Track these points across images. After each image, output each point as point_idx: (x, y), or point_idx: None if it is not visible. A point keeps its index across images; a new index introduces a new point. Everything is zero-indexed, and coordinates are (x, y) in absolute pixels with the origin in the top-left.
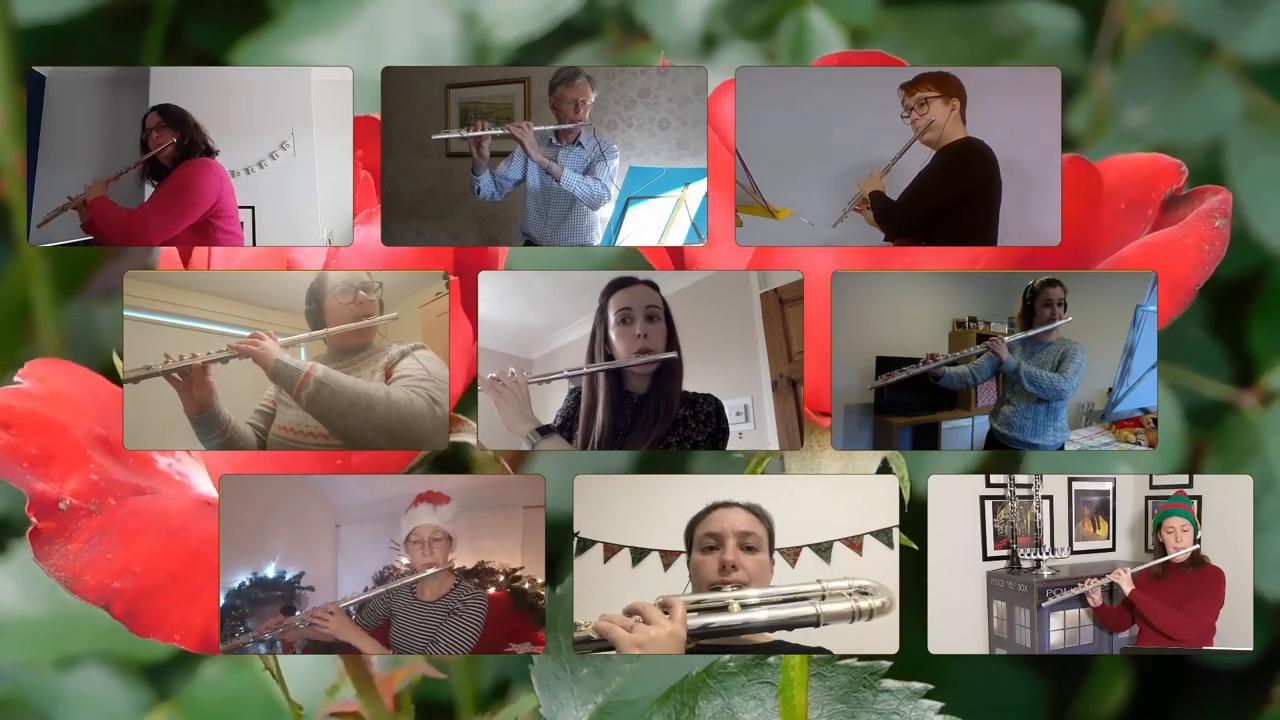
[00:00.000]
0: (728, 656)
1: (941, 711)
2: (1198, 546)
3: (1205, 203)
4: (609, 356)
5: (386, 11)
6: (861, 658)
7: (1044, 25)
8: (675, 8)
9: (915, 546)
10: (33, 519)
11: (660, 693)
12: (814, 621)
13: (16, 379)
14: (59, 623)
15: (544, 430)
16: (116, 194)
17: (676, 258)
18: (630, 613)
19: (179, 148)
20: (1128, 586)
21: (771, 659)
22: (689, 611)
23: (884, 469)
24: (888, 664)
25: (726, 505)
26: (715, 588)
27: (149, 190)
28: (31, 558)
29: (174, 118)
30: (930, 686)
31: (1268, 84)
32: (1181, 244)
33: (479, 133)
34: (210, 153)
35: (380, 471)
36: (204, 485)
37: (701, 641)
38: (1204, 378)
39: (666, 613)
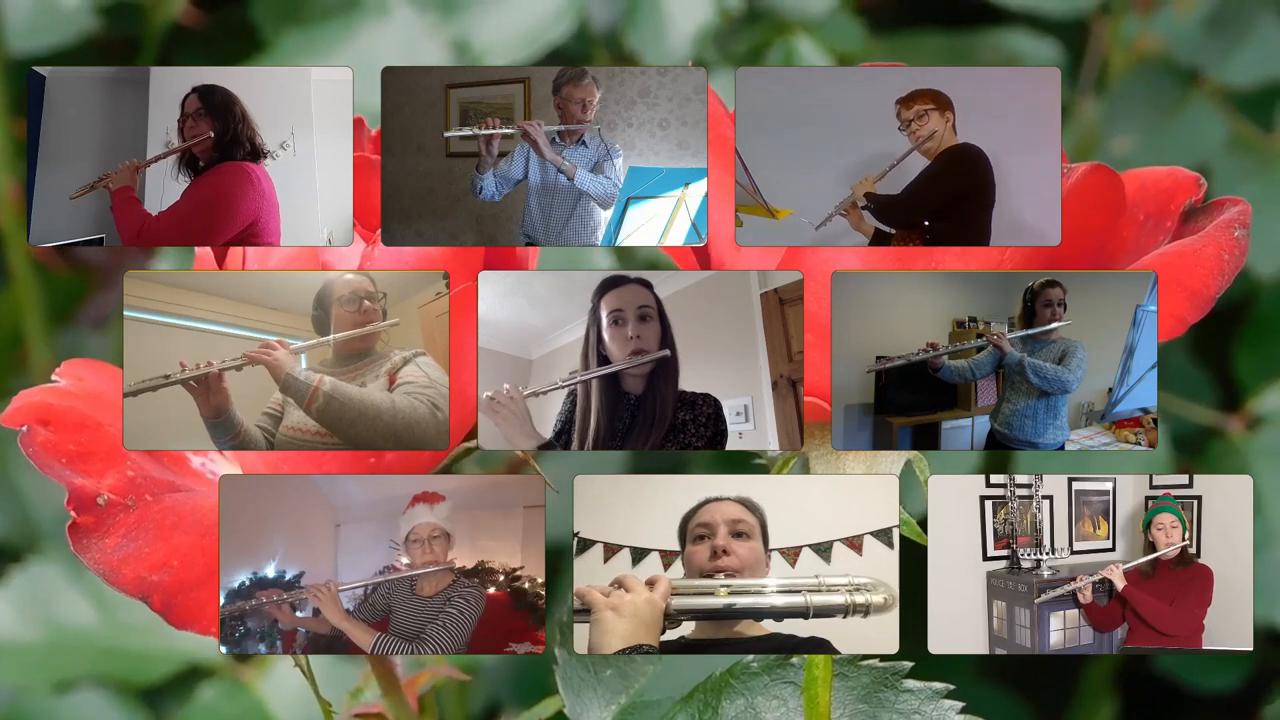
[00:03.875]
0: (751, 657)
1: (963, 712)
2: (1186, 543)
3: (1224, 214)
4: (602, 358)
5: (378, 39)
6: (863, 658)
7: (1028, 54)
8: (664, 35)
9: (925, 542)
10: (71, 513)
11: (683, 693)
12: (803, 613)
13: (54, 377)
14: (56, 646)
15: (544, 447)
16: (153, 180)
17: (702, 257)
18: (614, 583)
19: (218, 143)
20: (1120, 582)
21: (795, 659)
22: (675, 595)
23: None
24: (909, 664)
25: (718, 500)
26: (707, 576)
27: (180, 186)
28: (25, 585)
29: (216, 105)
30: (952, 686)
31: (1251, 112)
32: (1201, 254)
33: (490, 131)
34: (256, 154)
35: (413, 472)
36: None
37: (690, 630)
38: (1191, 403)
39: (651, 586)
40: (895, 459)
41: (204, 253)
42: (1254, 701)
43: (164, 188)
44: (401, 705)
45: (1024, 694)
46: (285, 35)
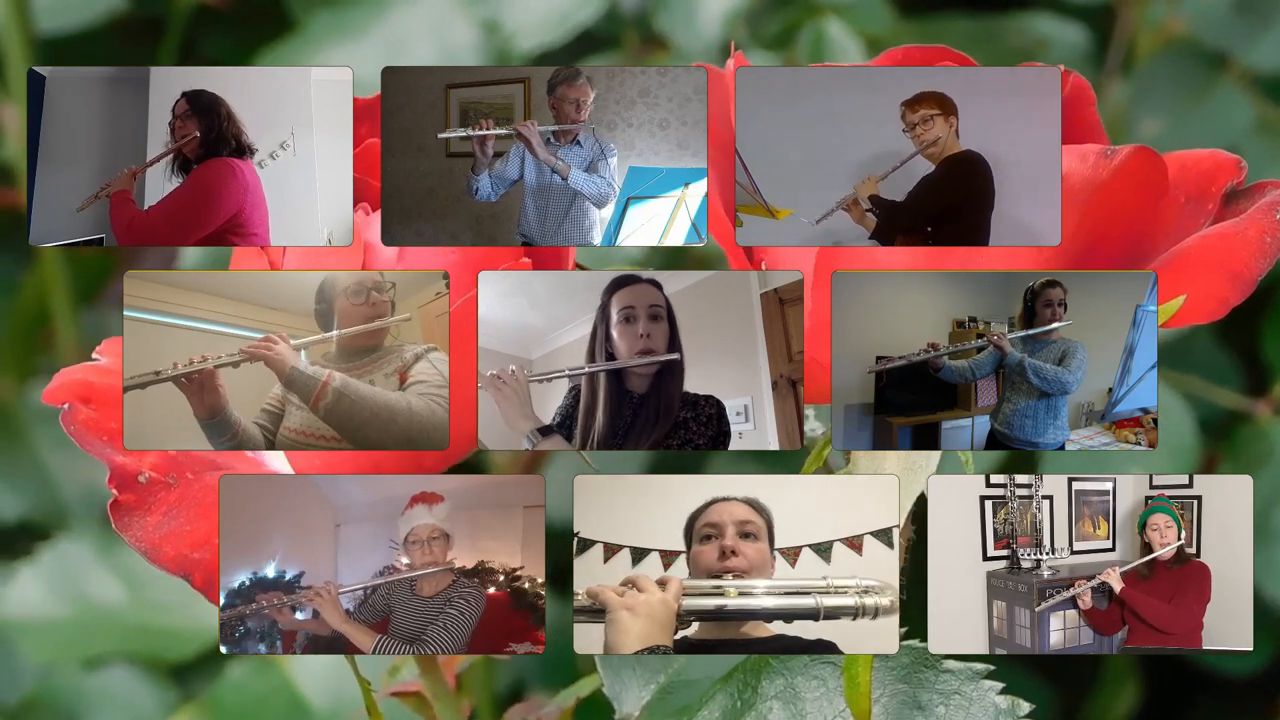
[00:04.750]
0: None
1: (1003, 692)
2: (1183, 542)
3: (1266, 196)
4: (610, 355)
5: (408, 20)
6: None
7: (1056, 37)
8: (694, 16)
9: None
10: (113, 491)
11: (722, 673)
12: (814, 614)
13: (95, 355)
14: (85, 624)
15: (544, 430)
16: (151, 182)
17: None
18: (626, 582)
19: (204, 141)
20: (1118, 585)
21: None
22: (686, 595)
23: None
24: None
25: (726, 499)
26: (715, 576)
27: (173, 185)
28: (55, 563)
29: (203, 107)
30: (992, 667)
31: (1278, 96)
32: (1243, 235)
33: (484, 131)
34: (241, 151)
35: (423, 472)
36: (276, 463)
37: (695, 630)
38: (1218, 387)
39: (662, 586)
40: (932, 456)
41: (246, 251)
42: (1275, 686)
43: (162, 189)
44: (439, 683)
45: (1047, 676)
46: (315, 15)
